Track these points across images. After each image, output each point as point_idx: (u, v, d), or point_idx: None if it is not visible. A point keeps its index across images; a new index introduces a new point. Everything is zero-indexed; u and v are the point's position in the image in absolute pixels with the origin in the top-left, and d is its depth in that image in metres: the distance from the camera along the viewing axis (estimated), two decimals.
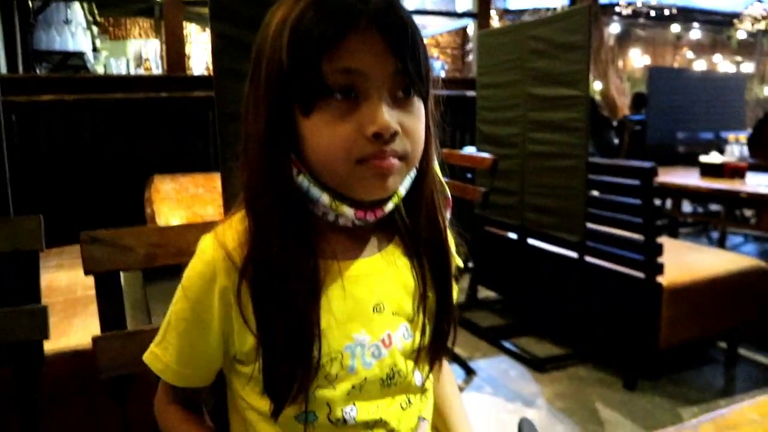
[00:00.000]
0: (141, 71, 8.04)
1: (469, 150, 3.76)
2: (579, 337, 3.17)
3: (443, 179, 0.90)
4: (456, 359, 2.91)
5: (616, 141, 6.59)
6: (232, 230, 0.78)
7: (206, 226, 0.99)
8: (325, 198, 0.75)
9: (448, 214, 0.89)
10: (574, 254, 2.99)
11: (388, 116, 0.71)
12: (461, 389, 2.75)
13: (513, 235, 3.44)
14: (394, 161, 0.73)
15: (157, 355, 0.83)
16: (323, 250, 0.78)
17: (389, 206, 0.79)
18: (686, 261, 2.87)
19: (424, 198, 0.83)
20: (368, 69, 0.70)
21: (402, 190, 0.80)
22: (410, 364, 0.84)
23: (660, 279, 2.62)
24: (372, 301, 0.80)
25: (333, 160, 0.72)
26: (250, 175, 0.77)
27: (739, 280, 2.82)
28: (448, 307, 0.87)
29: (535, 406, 2.61)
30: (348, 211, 0.75)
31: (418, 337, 0.84)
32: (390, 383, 0.82)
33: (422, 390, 0.87)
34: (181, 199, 2.76)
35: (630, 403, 2.62)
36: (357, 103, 0.71)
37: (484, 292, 3.82)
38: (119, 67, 7.51)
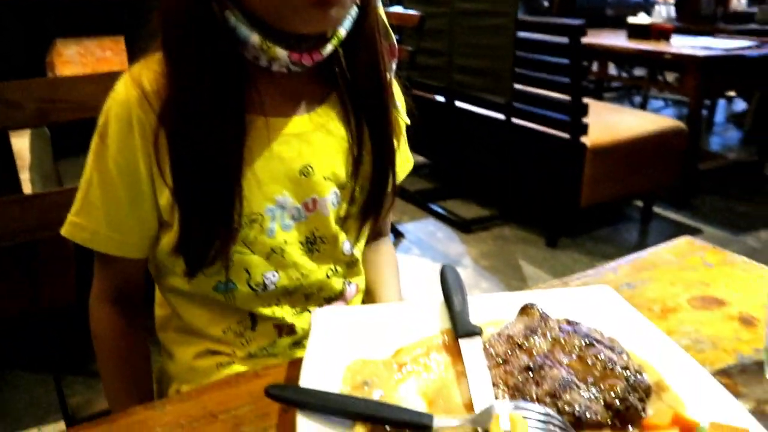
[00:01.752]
0: None
1: (396, 8, 3.59)
2: (504, 198, 3.23)
3: (386, 21, 0.79)
4: None
5: (546, 3, 6.46)
6: (150, 71, 0.68)
7: (104, 78, 0.88)
8: (255, 38, 0.65)
9: (393, 64, 0.80)
10: (501, 116, 2.97)
11: None
12: None
13: (440, 98, 3.38)
14: None
15: (79, 224, 0.72)
16: (252, 103, 0.70)
17: (328, 49, 0.69)
18: (610, 122, 2.90)
19: (366, 43, 0.74)
20: None
21: (342, 30, 0.70)
22: (338, 231, 0.79)
23: (584, 139, 2.65)
24: (299, 163, 0.73)
25: None
26: (166, 9, 0.67)
27: (658, 140, 2.89)
28: (386, 175, 0.80)
29: (461, 264, 2.68)
30: (281, 53, 0.66)
31: (346, 204, 0.79)
32: (312, 248, 0.78)
33: (351, 258, 0.83)
34: (86, 63, 2.56)
35: (551, 259, 2.73)
36: None
37: (413, 154, 3.80)
38: None
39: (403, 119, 0.84)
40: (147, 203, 0.70)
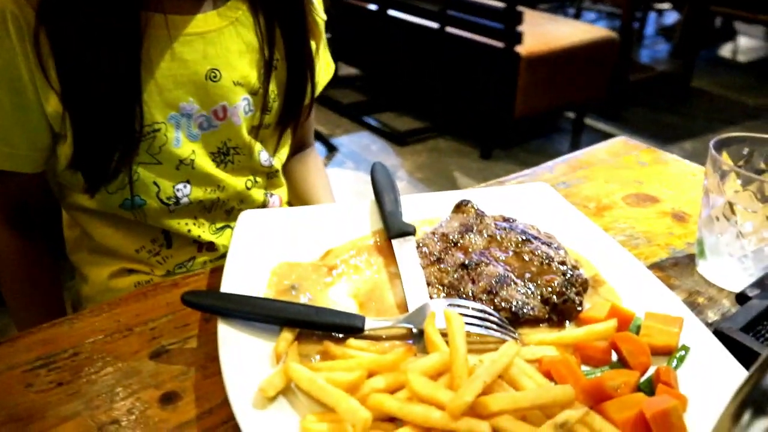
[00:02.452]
0: None
1: None
2: (439, 110, 3.19)
3: None
4: (317, 136, 2.85)
5: None
6: None
7: None
8: None
9: None
10: (435, 24, 2.88)
11: None
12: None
13: (372, 6, 3.25)
14: None
15: None
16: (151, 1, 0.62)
17: None
18: (544, 31, 2.86)
19: None
20: None
21: None
22: (252, 141, 0.73)
23: (518, 48, 2.61)
24: (206, 67, 0.66)
25: None
26: None
27: (591, 50, 2.88)
28: (302, 81, 0.73)
29: (397, 177, 2.63)
30: None
31: (259, 113, 0.72)
32: (225, 159, 0.72)
33: (270, 169, 0.78)
34: None
35: (485, 170, 2.73)
36: None
37: (344, 69, 3.69)
38: None
39: (320, 17, 0.77)
40: (34, 111, 0.62)
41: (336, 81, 3.23)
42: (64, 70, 0.59)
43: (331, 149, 2.86)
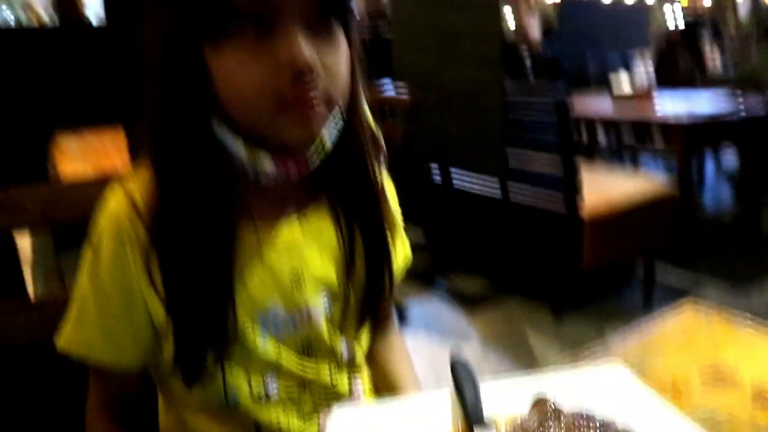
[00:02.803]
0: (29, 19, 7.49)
1: (385, 83, 3.70)
2: (506, 272, 3.23)
3: (372, 123, 0.80)
4: None
5: (530, 70, 6.67)
6: (140, 180, 0.69)
7: (105, 181, 0.90)
8: (241, 149, 0.66)
9: (382, 161, 0.81)
10: (496, 192, 3.00)
11: (306, 51, 0.63)
12: None
13: (436, 174, 3.43)
14: (319, 108, 0.66)
15: (75, 338, 0.71)
16: (240, 209, 0.70)
17: (314, 161, 0.70)
18: (604, 187, 2.92)
19: (352, 148, 0.75)
20: None
21: (328, 141, 0.71)
22: (333, 336, 0.78)
23: (580, 208, 2.67)
24: (290, 273, 0.73)
25: (248, 104, 0.64)
26: (152, 120, 0.68)
27: (653, 202, 2.91)
28: (381, 277, 0.79)
29: (468, 340, 2.66)
30: (267, 164, 0.67)
31: (339, 310, 0.77)
32: (309, 356, 0.76)
33: (349, 359, 0.82)
34: (87, 158, 2.60)
35: (558, 330, 2.71)
36: (270, 34, 0.63)
37: (411, 232, 3.81)
38: (5, 16, 6.99)
39: (397, 217, 0.84)
40: (141, 314, 0.70)
41: None
42: (169, 280, 0.67)
43: (402, 316, 2.90)
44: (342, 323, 0.79)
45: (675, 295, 3.04)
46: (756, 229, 3.68)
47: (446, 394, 0.69)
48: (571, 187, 2.65)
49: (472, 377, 0.68)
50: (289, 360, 0.75)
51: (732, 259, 3.43)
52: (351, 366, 0.83)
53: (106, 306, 0.70)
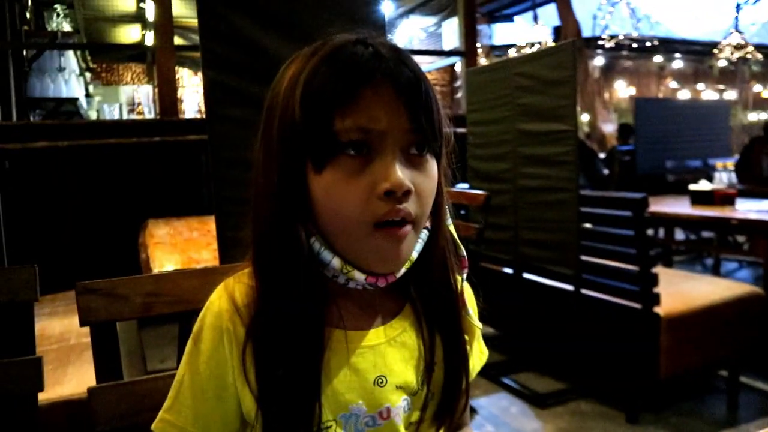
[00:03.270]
0: (134, 116, 8.11)
1: (462, 187, 3.79)
2: (579, 370, 3.15)
3: (457, 239, 0.86)
4: None
5: (605, 172, 6.64)
6: (241, 284, 0.76)
7: (202, 273, 0.99)
8: (336, 262, 0.72)
9: (464, 275, 0.86)
10: (569, 287, 2.99)
11: (402, 174, 0.68)
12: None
13: (508, 270, 3.45)
14: (408, 228, 0.71)
15: (171, 422, 0.76)
16: (331, 317, 0.76)
17: (401, 272, 0.75)
18: (682, 290, 2.87)
19: (436, 260, 0.80)
20: (382, 126, 0.68)
21: (414, 253, 0.76)
22: None
23: (657, 309, 2.61)
24: (374, 374, 0.77)
25: (345, 219, 0.70)
26: (259, 232, 0.74)
27: (735, 307, 2.82)
28: (458, 380, 0.82)
29: None
30: (359, 276, 0.72)
31: (418, 411, 0.80)
32: None
33: None
34: (175, 244, 2.76)
35: None
36: (370, 160, 0.69)
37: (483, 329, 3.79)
38: (112, 113, 7.58)
39: (476, 324, 0.87)
40: (232, 405, 0.75)
41: None
42: (262, 377, 0.72)
43: (471, 411, 2.85)
44: (419, 425, 0.81)
45: (760, 403, 2.87)
46: None
47: None
48: (646, 281, 2.61)
49: None
50: None
51: None
52: None
53: (201, 394, 0.76)
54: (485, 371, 3.02)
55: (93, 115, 7.06)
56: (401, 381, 0.78)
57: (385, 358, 0.78)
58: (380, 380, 0.77)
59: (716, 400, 2.97)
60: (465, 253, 0.85)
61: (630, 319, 2.71)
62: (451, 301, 0.82)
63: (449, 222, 0.83)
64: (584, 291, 2.92)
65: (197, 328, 0.76)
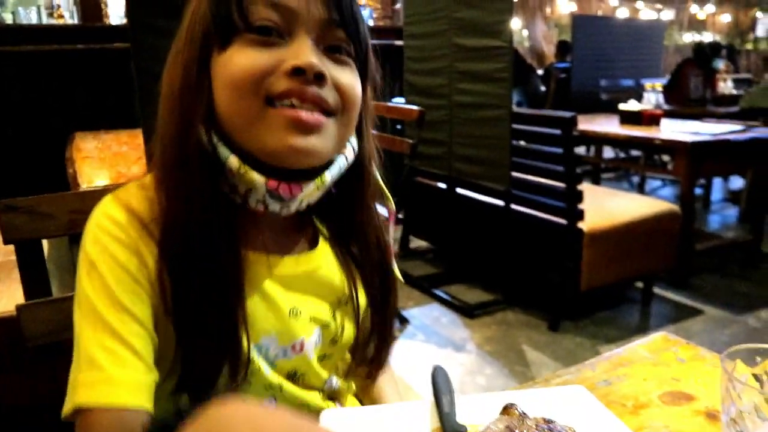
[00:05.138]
0: (53, 21, 7.61)
1: (398, 101, 3.78)
2: (506, 283, 3.30)
3: (386, 190, 0.84)
4: None
5: (543, 89, 6.72)
6: (139, 194, 0.68)
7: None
8: (233, 161, 0.65)
9: (391, 231, 0.85)
10: (500, 203, 3.08)
11: (316, 57, 0.64)
12: (395, 338, 2.84)
13: (442, 185, 3.51)
14: (320, 117, 0.65)
15: (96, 383, 0.60)
16: (246, 239, 0.70)
17: (310, 186, 0.69)
18: (606, 207, 3.00)
19: (357, 198, 0.77)
20: (293, 2, 0.64)
21: (328, 175, 0.70)
22: (320, 370, 0.79)
23: (581, 225, 2.74)
24: (289, 305, 0.74)
25: (239, 94, 0.64)
26: (161, 135, 0.69)
27: (654, 223, 2.99)
28: (383, 317, 0.82)
29: (465, 350, 2.73)
30: (258, 179, 0.65)
31: (331, 346, 0.80)
32: (298, 382, 0.77)
33: (337, 391, 0.84)
34: (104, 158, 2.68)
35: (554, 343, 2.77)
36: (281, 43, 0.64)
37: (415, 242, 3.90)
38: (29, 16, 7.08)
39: (398, 278, 0.86)
40: (149, 325, 0.65)
41: (407, 253, 3.44)
42: (179, 302, 0.65)
43: (403, 321, 2.98)
44: (332, 357, 0.81)
45: (673, 313, 3.10)
46: (758, 251, 3.73)
47: (426, 403, 0.77)
48: (572, 198, 2.73)
49: (449, 388, 0.76)
50: (288, 387, 0.76)
51: (732, 279, 3.49)
52: (339, 398, 0.85)
53: (129, 322, 0.63)
54: (417, 283, 3.11)
55: (8, 19, 6.59)
56: (317, 312, 0.77)
57: (303, 288, 0.76)
58: (295, 311, 0.74)
59: (630, 309, 3.19)
60: (394, 207, 0.85)
61: (556, 234, 2.84)
62: (372, 237, 0.80)
63: (375, 171, 0.80)
64: (514, 207, 3.02)
65: (89, 248, 0.65)
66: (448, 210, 3.52)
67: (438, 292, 3.28)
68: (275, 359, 0.74)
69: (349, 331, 0.81)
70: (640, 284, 3.25)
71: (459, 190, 3.37)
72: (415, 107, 3.05)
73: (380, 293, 0.82)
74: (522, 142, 3.07)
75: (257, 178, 0.66)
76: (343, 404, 0.87)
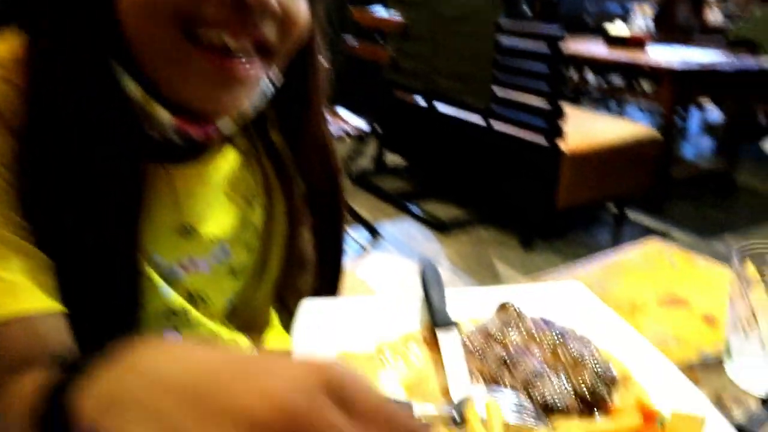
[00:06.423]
0: None
1: (378, 9, 3.62)
2: (482, 200, 3.28)
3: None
4: (362, 222, 2.95)
5: (527, 11, 6.53)
6: None
7: None
8: (135, 90, 0.53)
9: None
10: (480, 120, 3.01)
11: None
12: (367, 251, 2.82)
13: (421, 101, 3.42)
14: (254, 66, 0.54)
15: None
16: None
17: (226, 123, 0.59)
18: (587, 128, 2.95)
19: (298, 91, 0.66)
20: None
21: (250, 107, 0.59)
22: (222, 289, 0.68)
23: (561, 145, 2.70)
24: (179, 219, 0.62)
25: (151, 18, 0.49)
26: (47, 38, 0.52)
27: (633, 147, 2.95)
28: (326, 244, 0.72)
29: (438, 265, 2.69)
30: (164, 115, 0.54)
31: (238, 264, 0.69)
32: (204, 308, 0.66)
33: (252, 323, 0.74)
34: None
35: (526, 260, 2.78)
36: None
37: (390, 158, 3.83)
38: None
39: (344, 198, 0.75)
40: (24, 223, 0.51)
41: (383, 169, 3.38)
42: (45, 207, 0.51)
43: (375, 234, 2.94)
44: (237, 276, 0.70)
45: (644, 236, 3.11)
46: (730, 180, 3.75)
47: (414, 298, 0.72)
48: (555, 116, 2.67)
49: (439, 282, 0.71)
50: (180, 313, 0.63)
51: (704, 207, 3.52)
52: (247, 328, 0.75)
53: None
54: (391, 197, 3.06)
55: None
56: (217, 227, 0.65)
57: (201, 200, 0.64)
58: (187, 227, 0.63)
59: (603, 231, 3.20)
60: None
61: (535, 153, 2.79)
62: (322, 155, 0.70)
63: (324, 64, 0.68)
64: (494, 124, 2.95)
65: None
66: (426, 126, 3.44)
67: (412, 208, 3.24)
68: (172, 278, 0.62)
69: (275, 254, 0.71)
70: (613, 207, 3.24)
71: (438, 106, 3.28)
72: (398, 18, 2.93)
73: (325, 214, 0.72)
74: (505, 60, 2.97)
75: (164, 116, 0.54)
76: (259, 339, 0.77)
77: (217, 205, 0.65)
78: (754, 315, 0.62)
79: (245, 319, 0.74)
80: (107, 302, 0.55)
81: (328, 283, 0.76)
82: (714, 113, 5.35)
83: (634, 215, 3.29)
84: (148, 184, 0.57)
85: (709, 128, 5.28)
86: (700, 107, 5.45)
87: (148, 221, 0.57)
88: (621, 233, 3.15)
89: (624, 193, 3.12)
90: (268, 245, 0.71)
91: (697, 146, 5.00)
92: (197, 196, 0.63)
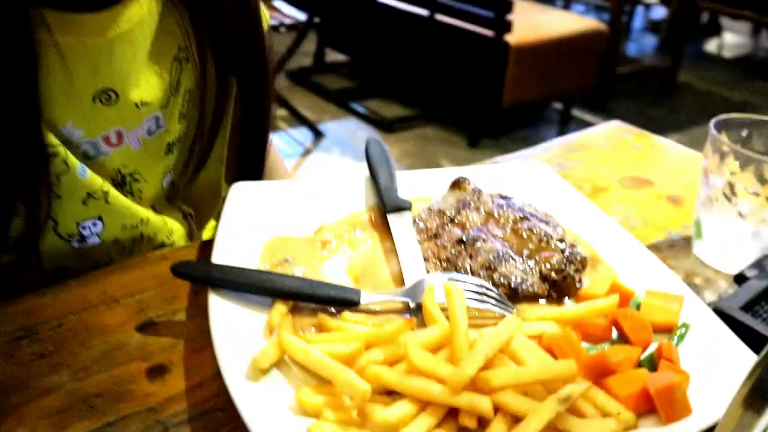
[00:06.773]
0: None
1: None
2: (427, 98, 3.17)
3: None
4: (304, 121, 2.82)
5: None
6: None
7: None
8: None
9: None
10: (424, 12, 2.86)
11: None
12: (309, 151, 2.71)
13: None
14: None
15: None
16: None
17: None
18: (534, 21, 2.85)
19: None
20: None
21: None
22: (154, 166, 0.61)
23: (508, 38, 2.60)
24: (98, 83, 0.53)
25: None
26: None
27: (580, 41, 2.88)
28: (224, 78, 0.61)
29: None
30: None
31: (173, 131, 0.61)
32: (124, 191, 0.59)
33: (183, 193, 0.66)
34: None
35: (472, 158, 2.73)
36: None
37: (332, 55, 3.65)
38: None
39: (264, 17, 0.65)
40: None
41: (323, 67, 3.22)
42: None
43: (318, 134, 2.83)
44: (173, 148, 0.62)
45: None
46: (674, 79, 3.75)
47: (358, 178, 0.64)
48: (501, 7, 2.55)
49: (387, 159, 0.64)
50: (111, 197, 0.57)
51: (646, 105, 3.52)
52: (194, 211, 0.69)
53: None
54: (333, 96, 2.94)
55: None
56: (145, 92, 0.57)
57: (122, 61, 0.54)
58: (107, 94, 0.54)
59: (549, 129, 3.17)
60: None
61: (481, 47, 2.68)
62: (244, 19, 0.60)
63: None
64: (438, 17, 2.81)
65: None
66: (368, 20, 3.26)
67: (355, 106, 3.12)
68: (97, 156, 0.55)
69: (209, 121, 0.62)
70: (559, 105, 3.20)
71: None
72: None
73: (251, 104, 0.64)
74: None
75: None
76: (198, 224, 0.69)
77: (143, 67, 0.56)
78: (731, 186, 0.56)
79: (191, 201, 0.67)
80: (6, 183, 0.49)
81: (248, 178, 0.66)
82: (659, 11, 5.29)
83: (578, 113, 3.27)
84: (45, 36, 0.49)
85: (653, 26, 5.24)
86: (646, 5, 5.38)
87: (59, 87, 0.50)
88: (566, 131, 3.13)
89: (570, 90, 3.07)
90: (202, 112, 0.62)
91: (641, 44, 4.96)
92: (117, 56, 0.53)
